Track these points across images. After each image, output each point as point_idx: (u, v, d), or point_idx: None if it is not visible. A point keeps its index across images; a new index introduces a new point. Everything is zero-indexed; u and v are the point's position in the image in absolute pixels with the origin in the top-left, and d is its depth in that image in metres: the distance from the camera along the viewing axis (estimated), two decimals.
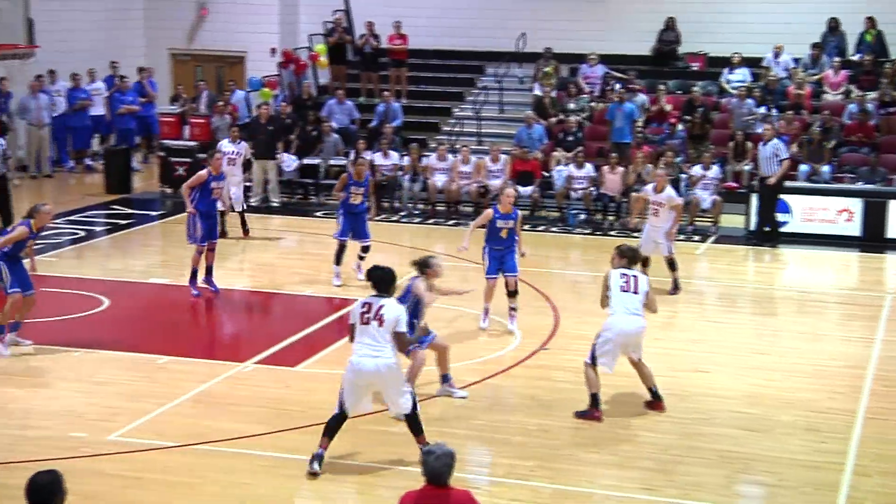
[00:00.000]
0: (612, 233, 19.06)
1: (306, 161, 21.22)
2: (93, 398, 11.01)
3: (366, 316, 9.13)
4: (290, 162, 21.05)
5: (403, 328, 9.27)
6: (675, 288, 15.25)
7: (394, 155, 20.63)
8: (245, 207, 18.09)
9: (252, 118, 21.81)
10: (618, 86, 22.06)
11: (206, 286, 14.66)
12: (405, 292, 10.60)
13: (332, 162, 21.09)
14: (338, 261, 15.14)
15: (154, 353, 12.27)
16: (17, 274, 12.06)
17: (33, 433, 10.05)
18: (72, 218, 19.12)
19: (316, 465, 9.19)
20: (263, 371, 11.89)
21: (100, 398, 11.00)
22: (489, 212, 13.37)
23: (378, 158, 20.48)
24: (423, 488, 6.31)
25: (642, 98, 21.69)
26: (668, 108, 21.57)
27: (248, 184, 19.81)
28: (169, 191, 21.14)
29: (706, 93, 22.19)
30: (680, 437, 10.37)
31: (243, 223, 18.03)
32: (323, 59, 24.59)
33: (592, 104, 22.23)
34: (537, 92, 22.65)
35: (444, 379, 11.14)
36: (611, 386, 11.54)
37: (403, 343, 9.38)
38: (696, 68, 23.55)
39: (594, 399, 10.73)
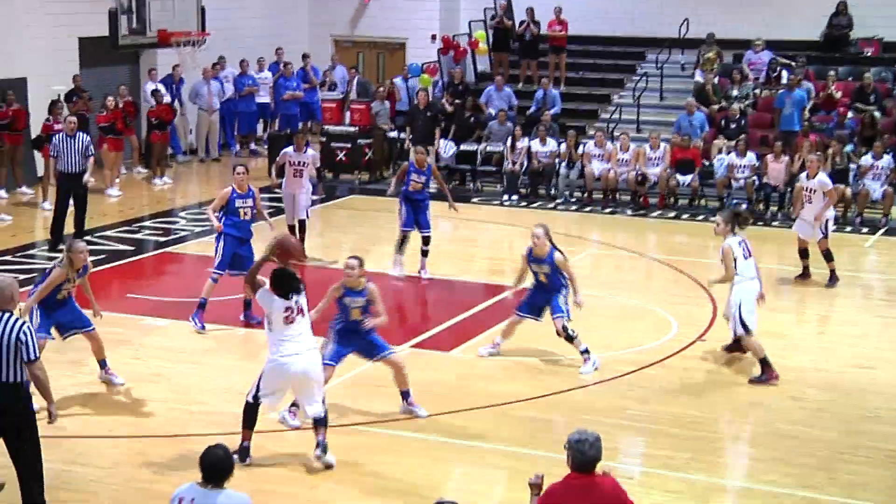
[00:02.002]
0: (775, 223, 18.54)
1: (463, 147, 21.31)
2: (254, 377, 11.27)
3: (291, 316, 8.94)
4: (447, 148, 21.19)
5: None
6: (833, 279, 14.77)
7: (551, 142, 20.53)
8: (308, 217, 15.61)
9: (411, 105, 22.02)
10: (785, 72, 21.44)
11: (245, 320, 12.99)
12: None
13: (490, 148, 21.14)
14: (400, 250, 14.86)
15: (314, 335, 12.51)
16: (52, 318, 10.53)
17: (197, 408, 10.39)
18: None
19: (248, 460, 9.04)
20: (418, 355, 12.01)
21: None
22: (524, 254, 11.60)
23: (535, 145, 20.43)
24: (569, 476, 6.25)
25: (809, 85, 21.03)
26: (838, 95, 20.85)
27: (314, 197, 17.28)
28: (329, 175, 21.55)
29: (880, 79, 21.35)
30: (843, 434, 10.03)
31: (301, 235, 15.26)
32: (482, 45, 24.64)
33: (757, 91, 21.67)
34: (699, 78, 22.20)
35: (405, 396, 10.26)
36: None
37: None
38: (869, 54, 22.68)
39: (766, 361, 11.02)
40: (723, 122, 20.72)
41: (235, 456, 8.42)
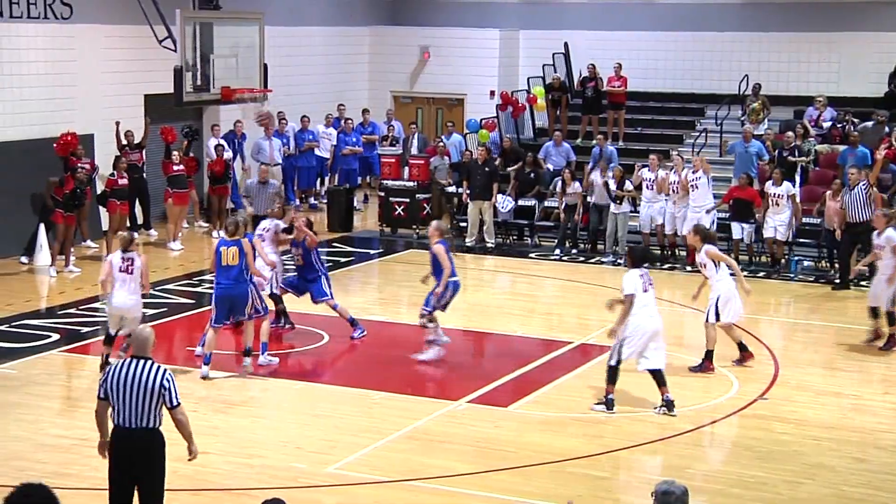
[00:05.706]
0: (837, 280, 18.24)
1: (521, 202, 21.34)
2: (312, 430, 11.32)
3: (646, 285, 11.51)
4: (505, 203, 21.23)
5: None
6: (890, 343, 14.23)
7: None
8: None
9: (471, 160, 22.11)
10: (850, 128, 21.25)
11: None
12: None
13: (546, 204, 21.15)
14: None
15: (370, 389, 12.54)
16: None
17: (256, 462, 10.40)
18: None
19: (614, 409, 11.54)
20: (476, 410, 11.95)
21: (318, 430, 11.29)
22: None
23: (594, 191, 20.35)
24: None
25: None
26: None
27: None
28: (387, 230, 21.67)
29: None
30: None
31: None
32: (541, 101, 24.75)
33: (819, 147, 21.47)
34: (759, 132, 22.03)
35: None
36: (836, 440, 11.07)
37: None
38: None
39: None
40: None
41: (602, 406, 11.57)
